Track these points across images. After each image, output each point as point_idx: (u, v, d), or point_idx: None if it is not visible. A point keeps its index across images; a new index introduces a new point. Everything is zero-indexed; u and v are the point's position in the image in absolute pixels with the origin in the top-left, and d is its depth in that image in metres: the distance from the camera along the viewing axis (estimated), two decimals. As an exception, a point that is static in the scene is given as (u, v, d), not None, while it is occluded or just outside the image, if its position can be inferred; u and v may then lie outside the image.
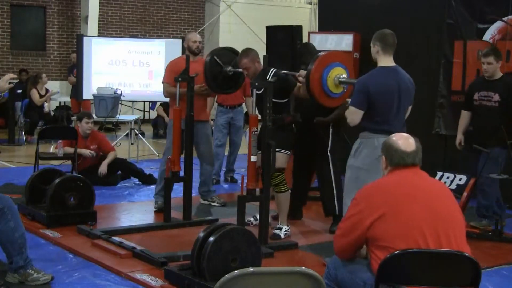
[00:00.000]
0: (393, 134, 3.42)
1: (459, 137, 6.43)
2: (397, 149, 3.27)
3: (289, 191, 5.79)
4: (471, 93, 6.29)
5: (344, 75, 5.20)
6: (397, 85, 4.91)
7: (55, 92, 12.70)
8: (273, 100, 5.41)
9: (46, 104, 12.19)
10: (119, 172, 8.30)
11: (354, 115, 4.85)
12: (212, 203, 7.02)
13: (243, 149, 7.64)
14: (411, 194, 3.15)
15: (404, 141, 3.30)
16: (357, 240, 3.19)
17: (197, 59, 6.75)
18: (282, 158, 5.62)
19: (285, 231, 5.74)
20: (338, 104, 5.54)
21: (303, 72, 5.44)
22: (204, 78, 6.10)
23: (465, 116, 6.38)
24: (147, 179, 8.19)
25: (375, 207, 3.12)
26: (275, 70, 5.66)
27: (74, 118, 12.04)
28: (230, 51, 6.17)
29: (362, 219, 3.13)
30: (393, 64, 5.00)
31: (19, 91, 12.55)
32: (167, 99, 7.18)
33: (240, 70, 5.83)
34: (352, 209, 3.24)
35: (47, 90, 12.36)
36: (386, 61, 4.97)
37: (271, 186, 5.62)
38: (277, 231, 5.71)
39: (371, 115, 4.84)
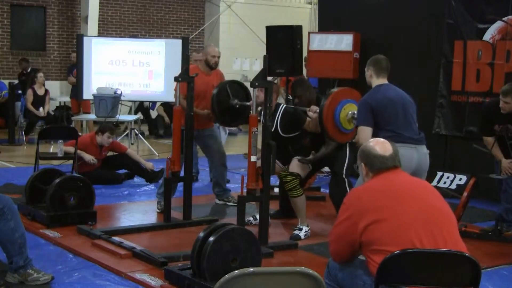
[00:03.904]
0: (369, 140, 3.44)
1: (505, 161, 5.80)
2: (376, 155, 3.28)
3: (304, 194, 5.81)
4: (491, 123, 5.92)
5: (356, 112, 5.25)
6: (396, 95, 5.04)
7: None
8: (287, 136, 5.78)
9: (41, 109, 12.09)
10: (125, 170, 8.34)
11: (364, 133, 4.87)
12: (228, 203, 7.02)
13: (243, 149, 7.65)
14: (401, 195, 3.16)
15: (381, 146, 3.31)
16: (351, 244, 3.18)
17: (212, 73, 6.75)
18: (302, 166, 5.79)
19: (305, 232, 5.77)
20: (348, 140, 5.63)
21: (314, 107, 5.63)
22: (211, 108, 6.04)
23: (491, 141, 5.95)
24: (153, 177, 8.19)
25: (365, 211, 3.11)
26: (285, 105, 5.84)
27: (74, 118, 12.11)
28: (239, 85, 6.15)
29: (354, 223, 3.12)
30: (387, 82, 5.12)
31: (19, 91, 12.54)
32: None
33: (248, 103, 5.82)
34: (342, 214, 3.23)
35: (46, 91, 12.32)
36: (380, 81, 5.08)
37: (287, 191, 5.78)
38: (297, 232, 5.75)
39: (383, 127, 4.90)
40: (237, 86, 6.07)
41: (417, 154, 4.91)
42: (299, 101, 6.00)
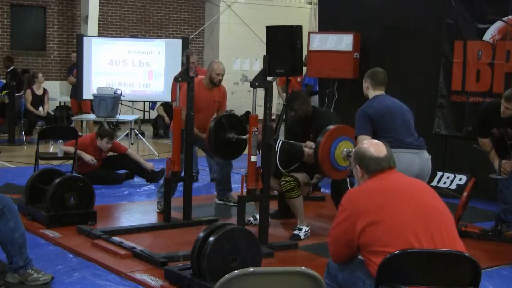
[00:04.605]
0: (363, 142, 3.44)
1: (504, 161, 5.78)
2: (371, 156, 3.28)
3: (301, 195, 5.81)
4: (488, 125, 5.87)
5: (352, 149, 5.26)
6: (393, 104, 5.14)
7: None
8: (287, 170, 5.79)
9: (41, 108, 12.06)
10: (126, 170, 8.34)
11: (363, 141, 4.89)
12: (228, 203, 7.01)
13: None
14: (397, 196, 3.15)
15: (376, 148, 3.32)
16: (349, 245, 3.17)
17: (214, 89, 6.74)
18: (304, 180, 5.81)
19: (305, 231, 5.78)
20: (343, 177, 5.71)
21: (309, 143, 5.64)
22: (207, 140, 6.04)
23: (487, 143, 5.92)
24: (153, 177, 8.19)
25: (363, 212, 3.11)
26: (282, 141, 5.88)
27: (74, 118, 12.11)
28: (236, 118, 6.15)
29: (351, 225, 3.12)
30: (384, 93, 5.20)
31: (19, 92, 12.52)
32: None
33: (244, 137, 5.86)
34: (340, 216, 3.23)
35: (45, 90, 12.30)
36: (376, 93, 5.17)
37: (283, 193, 5.77)
38: (297, 232, 5.75)
39: (383, 135, 4.94)
40: (233, 120, 6.10)
41: (419, 159, 4.94)
42: (295, 114, 6.02)
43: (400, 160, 4.58)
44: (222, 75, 6.78)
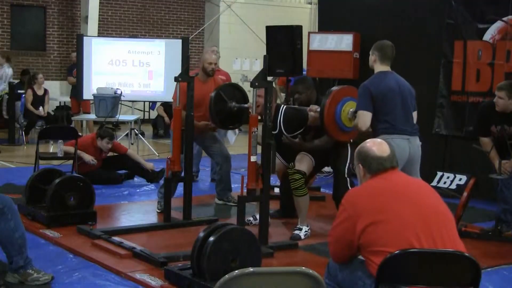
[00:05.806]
0: (366, 141, 3.44)
1: (504, 162, 5.76)
2: (374, 156, 3.28)
3: (308, 194, 5.81)
4: (487, 124, 5.88)
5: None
6: (397, 85, 5.06)
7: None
8: (291, 135, 5.75)
9: (40, 108, 12.04)
10: (126, 170, 8.35)
11: (363, 117, 4.92)
12: (228, 203, 7.00)
13: (244, 149, 7.64)
14: (398, 196, 3.15)
15: (379, 147, 3.31)
16: (350, 245, 3.17)
17: (209, 80, 6.74)
18: (307, 162, 5.76)
19: (305, 231, 5.77)
20: (349, 139, 5.63)
21: (314, 106, 5.64)
22: (209, 114, 6.07)
23: (487, 143, 5.90)
24: (154, 177, 8.19)
25: (363, 212, 3.11)
26: (286, 106, 5.87)
27: (74, 118, 12.10)
28: (234, 87, 6.16)
29: (352, 225, 3.12)
30: (390, 70, 5.12)
31: (20, 91, 12.52)
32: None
33: (246, 105, 5.85)
34: (340, 215, 3.23)
35: (45, 91, 12.28)
36: (383, 68, 5.09)
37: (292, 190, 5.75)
38: (297, 232, 5.74)
39: (380, 117, 4.94)
40: (231, 89, 6.09)
41: (410, 145, 4.99)
42: (298, 97, 5.99)
43: (393, 146, 4.59)
44: (215, 64, 6.79)
